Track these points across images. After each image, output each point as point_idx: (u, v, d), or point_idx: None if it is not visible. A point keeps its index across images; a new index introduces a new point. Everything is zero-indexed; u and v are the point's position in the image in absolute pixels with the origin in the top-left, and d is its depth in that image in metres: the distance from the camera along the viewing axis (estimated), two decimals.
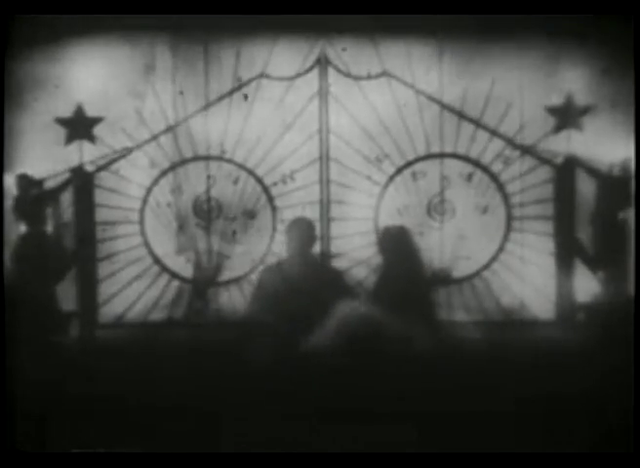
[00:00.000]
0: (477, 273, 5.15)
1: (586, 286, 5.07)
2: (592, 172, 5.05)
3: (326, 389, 4.32)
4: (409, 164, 5.14)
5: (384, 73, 5.07)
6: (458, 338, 4.77)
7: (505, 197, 5.15)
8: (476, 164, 5.13)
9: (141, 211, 5.12)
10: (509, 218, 5.16)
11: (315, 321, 4.60)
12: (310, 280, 4.83)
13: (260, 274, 5.00)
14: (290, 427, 4.17)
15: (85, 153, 5.04)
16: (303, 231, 4.97)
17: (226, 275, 5.13)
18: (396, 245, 4.92)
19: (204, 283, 5.12)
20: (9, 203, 4.90)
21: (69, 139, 5.03)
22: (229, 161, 5.12)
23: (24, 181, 4.96)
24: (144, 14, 4.47)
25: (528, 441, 4.05)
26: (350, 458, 3.77)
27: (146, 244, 5.13)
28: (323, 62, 5.07)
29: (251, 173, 5.13)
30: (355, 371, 4.39)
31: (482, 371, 4.43)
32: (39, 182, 4.99)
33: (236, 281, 5.12)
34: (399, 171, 5.15)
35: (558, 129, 5.10)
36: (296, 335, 4.61)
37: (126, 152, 5.05)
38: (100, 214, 5.07)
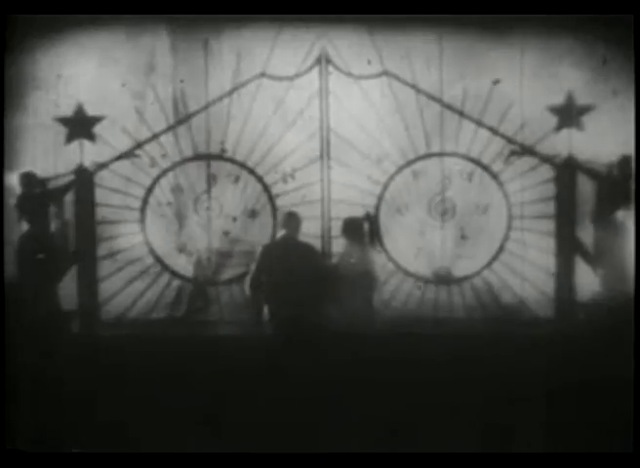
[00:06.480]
0: (478, 272, 5.16)
1: (587, 284, 5.07)
2: (593, 171, 5.05)
3: None
4: (409, 163, 5.15)
5: (385, 72, 5.07)
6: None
7: (506, 196, 5.15)
8: (477, 163, 5.13)
9: (142, 209, 5.14)
10: (510, 217, 5.16)
11: None
12: None
13: None
14: None
15: (85, 152, 5.06)
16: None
17: (227, 274, 5.16)
18: (359, 232, 4.87)
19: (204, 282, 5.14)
20: (11, 202, 4.92)
21: (70, 138, 5.05)
22: (230, 160, 5.13)
23: (26, 180, 4.97)
24: (145, 13, 4.48)
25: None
26: (350, 458, 3.77)
27: (147, 243, 5.16)
28: (323, 62, 5.07)
29: (251, 172, 5.14)
30: None
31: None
32: (40, 181, 5.00)
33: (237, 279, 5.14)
34: (400, 170, 5.15)
35: (559, 128, 5.09)
36: None
37: (126, 151, 5.07)
38: (101, 213, 5.10)
